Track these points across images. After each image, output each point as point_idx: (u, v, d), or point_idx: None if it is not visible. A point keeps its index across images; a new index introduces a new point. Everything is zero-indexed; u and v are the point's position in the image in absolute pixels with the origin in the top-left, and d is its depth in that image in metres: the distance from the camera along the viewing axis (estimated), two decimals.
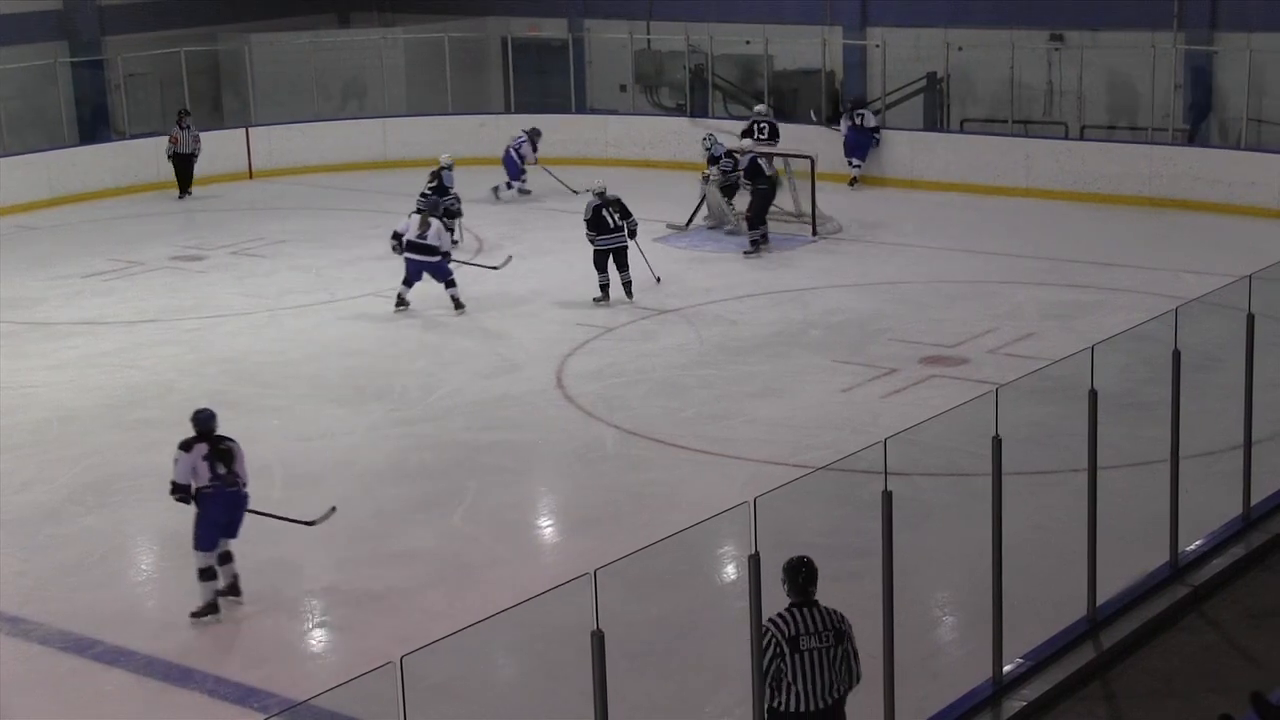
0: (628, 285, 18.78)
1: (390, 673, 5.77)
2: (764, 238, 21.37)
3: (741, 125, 25.18)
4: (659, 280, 19.30)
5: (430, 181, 21.62)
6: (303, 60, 29.92)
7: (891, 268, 20.39)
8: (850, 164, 25.77)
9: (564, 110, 29.25)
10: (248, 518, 10.98)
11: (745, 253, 21.11)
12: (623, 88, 30.33)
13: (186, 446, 10.79)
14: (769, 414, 14.69)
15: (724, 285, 19.59)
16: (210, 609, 10.77)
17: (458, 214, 21.68)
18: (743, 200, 22.76)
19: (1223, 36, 24.93)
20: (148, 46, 28.88)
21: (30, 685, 10.12)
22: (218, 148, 26.93)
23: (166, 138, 26.33)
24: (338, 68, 30.99)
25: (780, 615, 7.51)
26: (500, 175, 25.39)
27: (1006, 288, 19.12)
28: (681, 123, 28.10)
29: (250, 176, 27.86)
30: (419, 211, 19.11)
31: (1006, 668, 8.92)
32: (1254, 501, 11.06)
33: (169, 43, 28.75)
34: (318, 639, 10.87)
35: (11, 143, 26.78)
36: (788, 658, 7.44)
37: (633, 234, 18.78)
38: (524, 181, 25.39)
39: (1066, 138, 25.83)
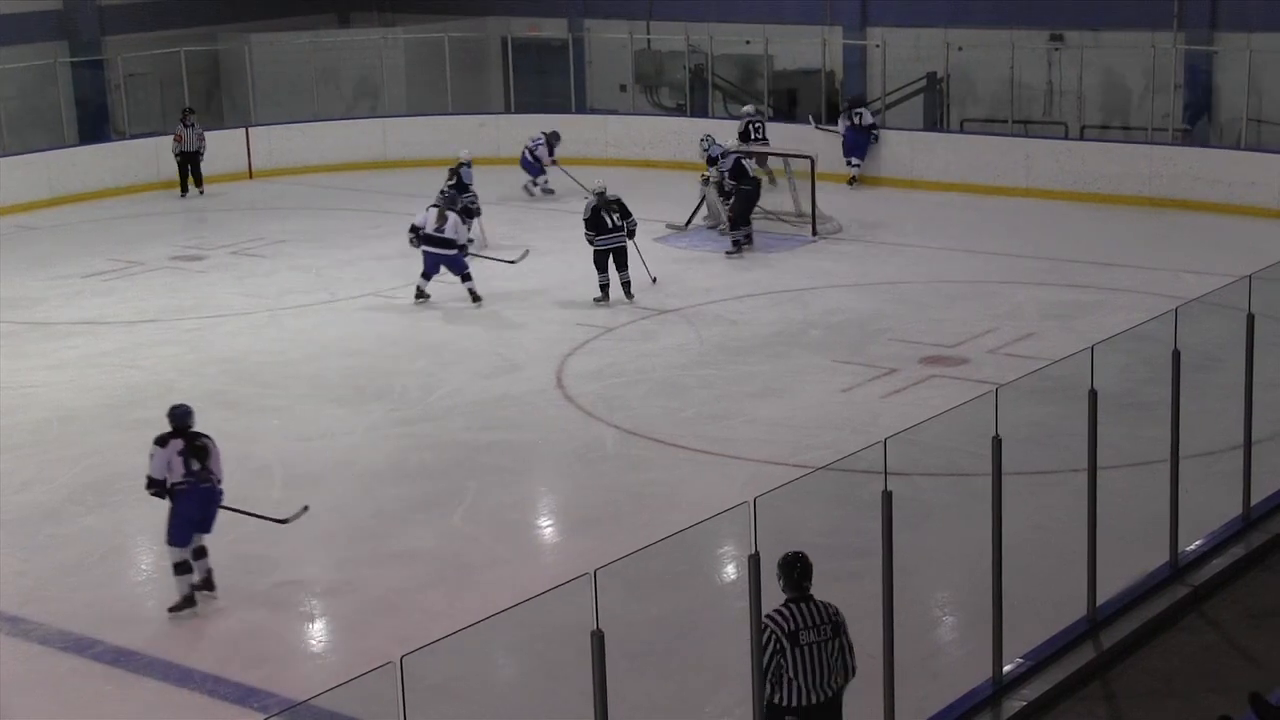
0: (627, 285, 18.78)
1: (390, 673, 5.77)
2: (748, 238, 21.37)
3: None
4: (655, 280, 19.30)
5: (449, 179, 21.52)
6: (303, 60, 29.94)
7: (891, 268, 20.39)
8: (849, 164, 25.77)
9: (564, 110, 29.25)
10: (222, 514, 11.06)
11: (727, 253, 21.10)
12: (623, 88, 30.33)
13: (162, 442, 10.89)
14: (769, 414, 14.69)
15: (724, 285, 19.59)
16: (187, 603, 10.86)
17: (476, 213, 21.50)
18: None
19: (1222, 36, 24.93)
20: (148, 46, 28.88)
21: (30, 685, 10.12)
22: (218, 148, 26.92)
23: (170, 136, 26.37)
24: (338, 68, 31.00)
25: (779, 611, 7.54)
26: (521, 175, 25.41)
27: (1006, 288, 19.12)
28: (681, 123, 28.09)
29: (250, 176, 27.86)
30: (436, 205, 19.18)
31: (1006, 668, 8.93)
32: (1254, 501, 11.06)
33: (169, 43, 28.76)
34: (318, 639, 10.87)
35: (11, 143, 26.78)
36: (788, 653, 7.49)
37: (631, 234, 18.78)
38: (545, 181, 25.40)
39: (1066, 138, 25.84)
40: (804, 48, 28.20)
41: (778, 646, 7.47)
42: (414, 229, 18.90)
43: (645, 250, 19.55)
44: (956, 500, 12.11)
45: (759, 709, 7.43)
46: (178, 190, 26.39)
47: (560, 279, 19.84)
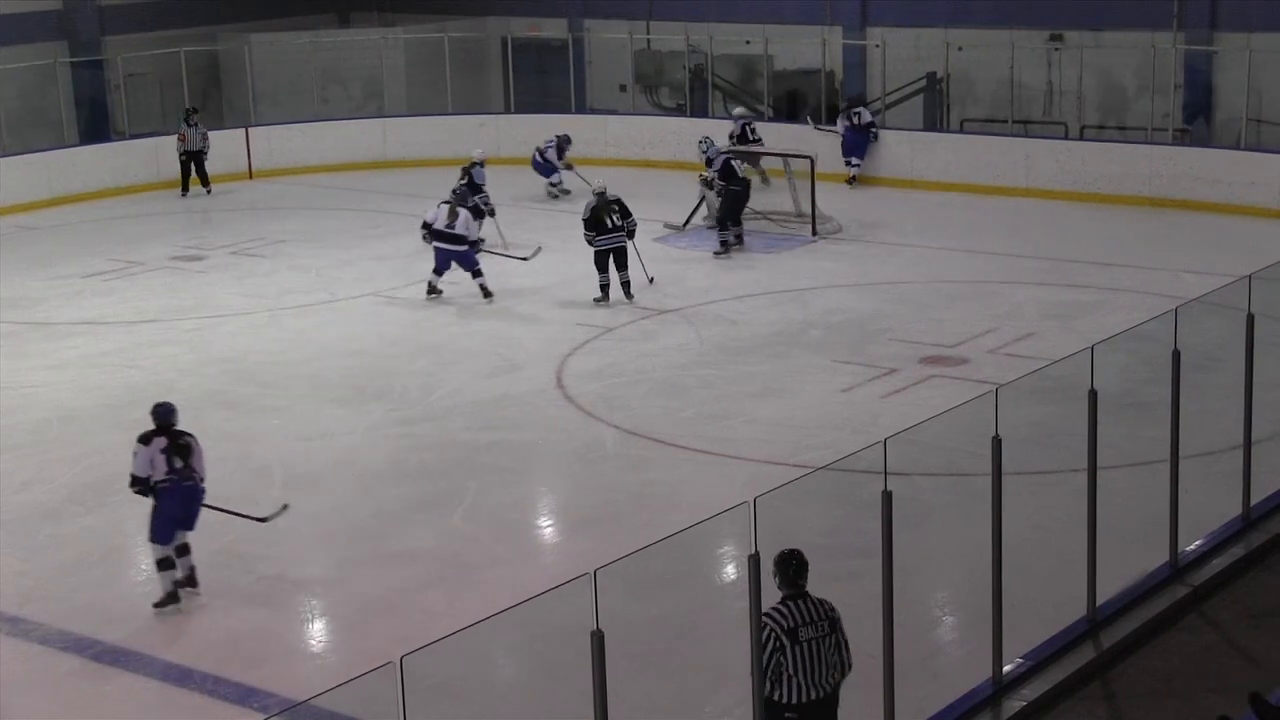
0: (626, 285, 18.79)
1: (390, 673, 5.77)
2: (738, 239, 21.39)
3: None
4: (651, 281, 19.30)
5: (461, 178, 21.50)
6: (303, 60, 29.94)
7: (891, 268, 20.39)
8: (849, 164, 25.78)
9: (564, 110, 29.26)
10: (211, 515, 11.13)
11: (715, 253, 21.11)
12: (623, 88, 30.34)
13: (145, 440, 10.94)
14: (769, 414, 14.69)
15: (724, 285, 19.59)
16: (171, 599, 10.92)
17: (487, 214, 21.39)
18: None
19: (1222, 36, 24.93)
20: (148, 46, 28.89)
21: (30, 685, 10.12)
22: (218, 148, 26.89)
23: (175, 136, 26.41)
24: (338, 68, 31.00)
25: (777, 609, 7.56)
26: (530, 176, 25.44)
27: (1006, 288, 19.12)
28: (681, 123, 28.08)
29: (250, 176, 27.86)
30: (447, 201, 19.26)
31: (1006, 668, 8.93)
32: (1254, 501, 11.07)
33: (169, 43, 28.76)
34: (318, 639, 10.87)
35: (11, 143, 26.79)
36: (788, 650, 7.51)
37: (631, 234, 18.79)
38: (561, 182, 25.41)
39: (1066, 138, 25.84)
40: (804, 48, 28.21)
41: (778, 644, 7.49)
42: (425, 225, 19.05)
43: (644, 250, 19.55)
44: (956, 500, 12.11)
45: (759, 707, 7.43)
46: (178, 190, 26.40)
47: (560, 279, 19.84)
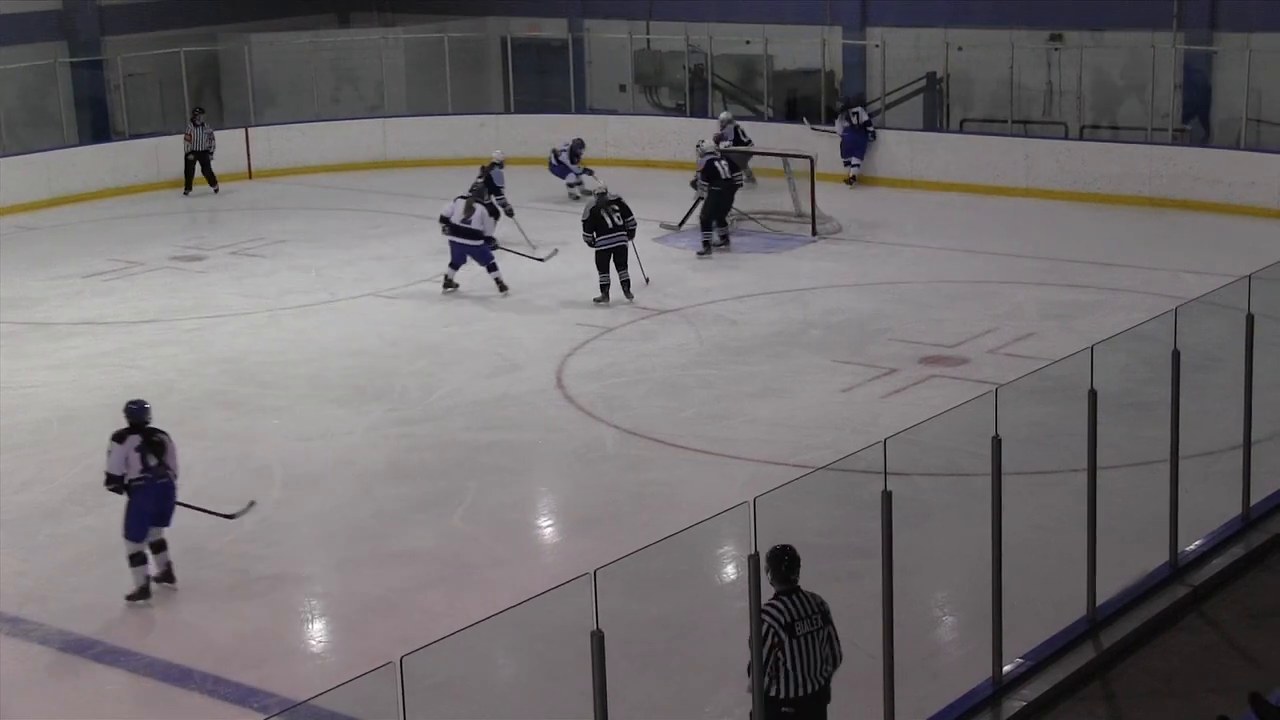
0: (626, 284, 18.79)
1: (390, 673, 5.78)
2: (724, 239, 21.41)
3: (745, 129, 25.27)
4: (648, 281, 19.30)
5: (479, 177, 21.51)
6: (303, 60, 29.93)
7: (891, 268, 20.39)
8: (849, 164, 25.78)
9: (564, 110, 29.26)
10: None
11: (698, 254, 21.12)
12: (622, 88, 30.33)
13: (120, 438, 11.03)
14: (769, 414, 14.69)
15: (724, 285, 19.59)
16: (143, 594, 10.99)
17: (504, 214, 21.34)
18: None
19: (1222, 36, 24.93)
20: (148, 46, 28.88)
21: (30, 685, 10.12)
22: (218, 148, 26.90)
23: (181, 136, 26.45)
24: (338, 68, 31.00)
25: (772, 604, 7.62)
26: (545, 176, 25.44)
27: (1006, 288, 19.12)
28: (681, 123, 28.07)
29: (250, 176, 27.86)
30: (464, 197, 19.43)
31: (1006, 668, 8.93)
32: (1254, 501, 11.07)
33: (169, 43, 28.75)
34: (318, 639, 10.87)
35: (11, 143, 26.79)
36: (786, 644, 7.59)
37: (631, 234, 18.80)
38: (580, 183, 25.39)
39: (1066, 138, 25.84)
40: (804, 48, 28.20)
41: (776, 639, 7.55)
42: (443, 219, 19.27)
43: (643, 250, 19.55)
44: (956, 500, 12.11)
45: (759, 703, 7.44)
46: (179, 190, 26.44)
47: (560, 279, 19.84)
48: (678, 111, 29.48)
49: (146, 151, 27.17)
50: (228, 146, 27.36)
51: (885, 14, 27.83)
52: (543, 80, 30.37)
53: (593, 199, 18.92)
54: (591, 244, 18.69)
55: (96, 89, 29.44)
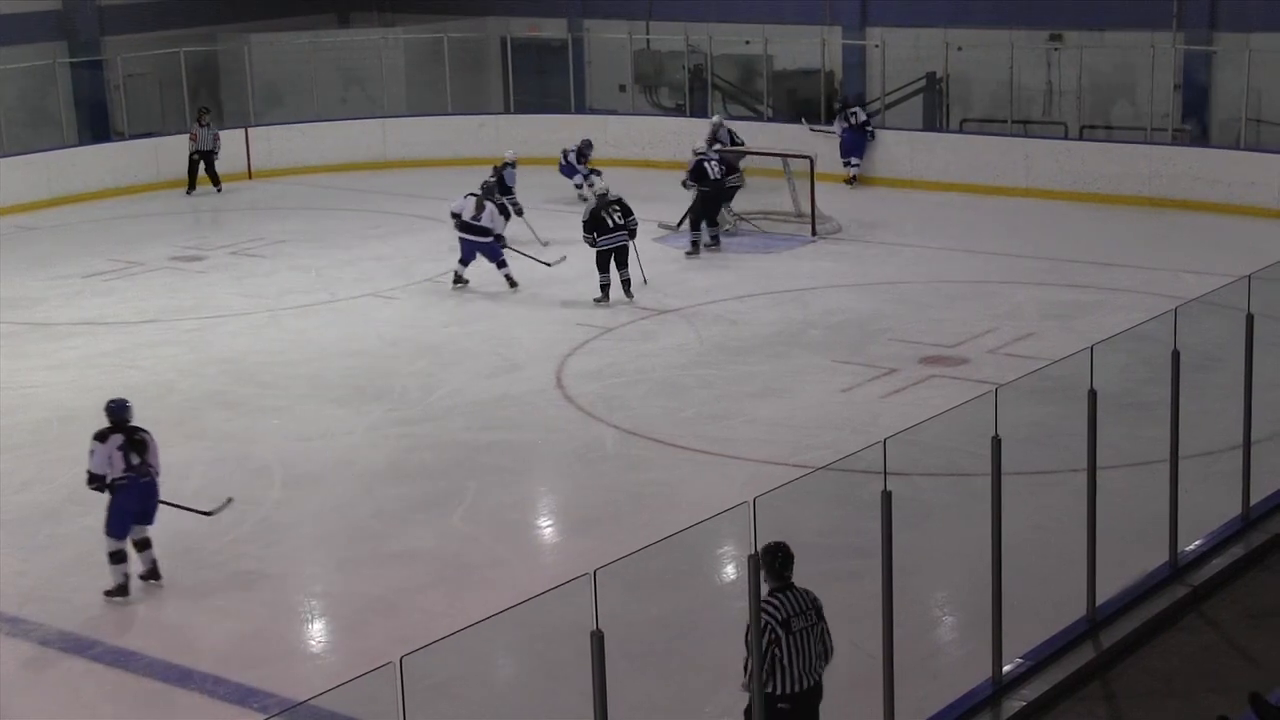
0: (627, 283, 18.80)
1: (390, 673, 5.78)
2: (714, 239, 21.43)
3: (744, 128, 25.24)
4: (645, 281, 19.30)
5: (492, 176, 21.51)
6: (303, 60, 29.93)
7: (891, 268, 20.40)
8: (848, 164, 25.78)
9: (563, 110, 29.26)
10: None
11: (686, 254, 21.13)
12: (622, 88, 30.33)
13: (102, 437, 11.09)
14: (769, 414, 14.69)
15: (724, 285, 19.60)
16: (121, 590, 11.05)
17: (514, 213, 21.24)
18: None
19: (1222, 36, 24.93)
20: (147, 46, 28.89)
21: (30, 685, 10.13)
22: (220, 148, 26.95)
23: (186, 135, 26.49)
24: (338, 68, 31.00)
25: (768, 601, 7.64)
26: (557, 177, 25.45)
27: (1006, 288, 19.12)
28: (681, 123, 28.07)
29: (250, 176, 27.86)
30: (474, 194, 19.53)
31: (1006, 668, 8.93)
32: (1253, 501, 11.07)
33: (169, 43, 28.76)
34: (317, 639, 10.87)
35: (11, 143, 26.78)
36: (783, 641, 7.60)
37: (633, 233, 18.81)
38: (589, 183, 25.36)
39: (1066, 138, 25.84)
40: (804, 48, 28.21)
41: (773, 635, 7.56)
42: (454, 215, 19.44)
43: (643, 250, 19.55)
44: (956, 500, 12.11)
45: (759, 699, 7.45)
46: (182, 189, 26.48)
47: (561, 278, 19.84)
48: (677, 112, 29.48)
49: (146, 151, 27.18)
50: (228, 146, 27.32)
51: (885, 14, 27.84)
52: (542, 80, 30.38)
53: (593, 200, 18.95)
54: (592, 244, 18.70)
55: (96, 89, 29.44)
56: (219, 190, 26.46)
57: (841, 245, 21.75)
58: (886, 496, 7.95)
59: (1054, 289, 18.94)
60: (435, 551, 11.87)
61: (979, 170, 25.14)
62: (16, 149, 26.56)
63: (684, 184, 21.61)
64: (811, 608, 7.75)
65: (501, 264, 19.36)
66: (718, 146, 22.96)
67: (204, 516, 11.69)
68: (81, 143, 28.03)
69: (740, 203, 22.72)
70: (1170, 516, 10.25)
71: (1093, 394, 9.30)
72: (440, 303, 19.13)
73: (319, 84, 29.72)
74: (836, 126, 26.03)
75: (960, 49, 26.34)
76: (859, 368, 15.97)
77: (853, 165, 25.81)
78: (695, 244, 21.23)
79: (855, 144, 25.81)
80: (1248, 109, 23.83)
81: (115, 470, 10.99)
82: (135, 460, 11.03)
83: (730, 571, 10.88)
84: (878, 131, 26.08)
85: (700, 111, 28.73)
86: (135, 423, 11.23)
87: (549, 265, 19.91)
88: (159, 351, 17.42)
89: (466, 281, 19.53)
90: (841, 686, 8.02)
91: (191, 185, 26.40)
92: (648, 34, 30.35)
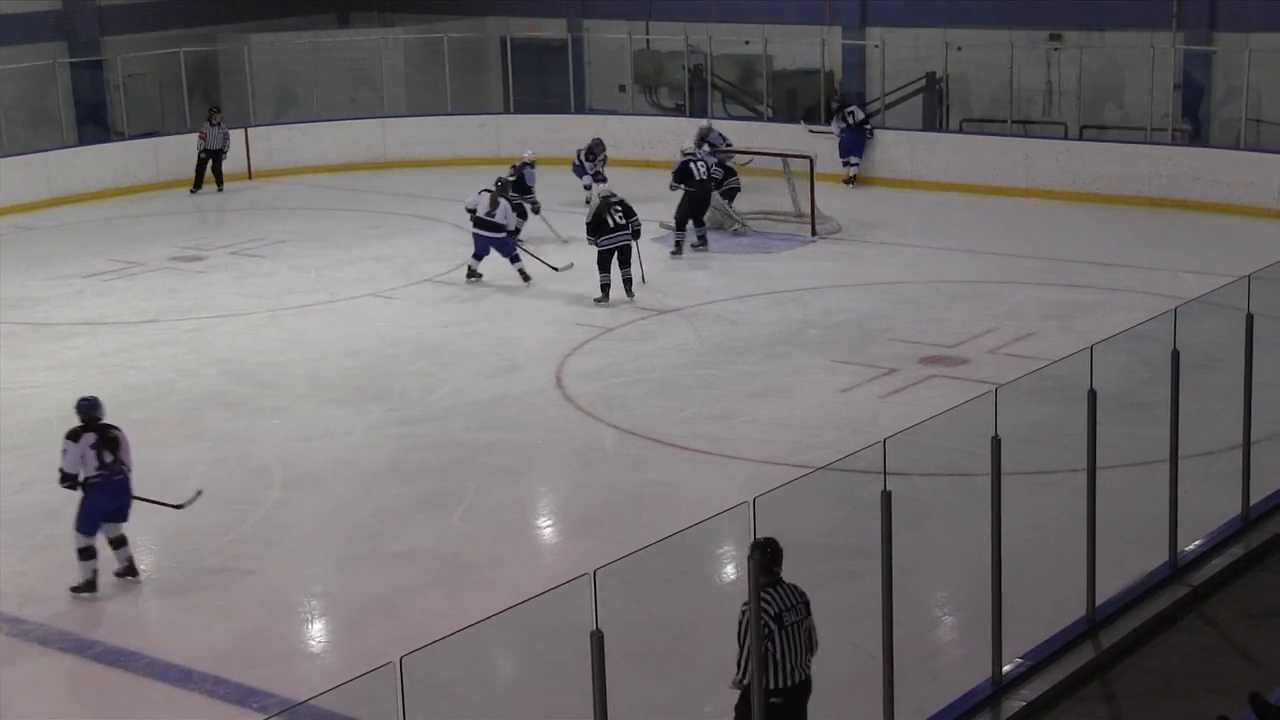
0: (628, 282, 18.80)
1: (390, 673, 5.78)
2: (701, 239, 21.42)
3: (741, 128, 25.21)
4: (644, 281, 19.30)
5: (510, 175, 21.56)
6: (303, 60, 29.93)
7: (891, 268, 20.40)
8: (848, 164, 25.78)
9: (563, 110, 29.26)
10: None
11: (671, 253, 21.14)
12: (622, 88, 30.33)
13: (74, 436, 11.11)
14: (769, 414, 14.69)
15: (724, 285, 19.60)
16: (89, 586, 11.07)
17: (531, 212, 21.33)
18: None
19: (1221, 36, 24.93)
20: (147, 46, 28.89)
21: (30, 685, 10.12)
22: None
23: (196, 134, 26.54)
24: (338, 68, 30.99)
25: (761, 597, 7.60)
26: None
27: (1006, 288, 19.12)
28: (681, 123, 28.03)
29: (250, 176, 27.86)
30: (489, 190, 19.68)
31: (1006, 668, 8.93)
32: (1253, 501, 11.06)
33: (169, 43, 28.76)
34: (317, 639, 10.87)
35: (11, 143, 26.78)
36: (775, 635, 7.65)
37: (636, 233, 18.82)
38: (599, 183, 25.39)
39: (1066, 138, 25.84)
40: (803, 48, 28.20)
41: (767, 630, 7.59)
42: (469, 210, 19.63)
43: (643, 250, 19.51)
44: (956, 500, 12.12)
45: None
46: (182, 189, 26.50)
47: (560, 278, 19.84)
48: (677, 112, 29.47)
49: (146, 151, 27.18)
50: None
51: (885, 14, 27.83)
52: (542, 80, 30.37)
53: (596, 201, 18.99)
54: (595, 245, 18.71)
55: (96, 89, 29.42)
56: (220, 189, 26.49)
57: (841, 245, 21.76)
58: (886, 496, 7.95)
59: (1054, 289, 18.94)
60: (435, 551, 11.88)
61: (979, 170, 25.15)
62: (16, 149, 26.57)
63: (670, 185, 21.63)
64: (801, 602, 7.82)
65: (515, 259, 19.54)
66: (706, 148, 22.94)
67: (175, 510, 11.62)
68: (81, 143, 28.01)
69: (739, 203, 22.72)
70: (1170, 516, 10.25)
71: (1092, 394, 9.30)
72: (440, 303, 19.14)
73: (319, 84, 29.71)
74: (834, 126, 26.03)
75: (960, 49, 26.34)
76: (859, 368, 15.97)
77: (852, 165, 25.81)
78: (679, 244, 21.25)
79: (854, 143, 25.81)
80: (1247, 109, 23.83)
81: (88, 468, 11.03)
82: (108, 458, 11.07)
83: (730, 571, 10.88)
84: (878, 131, 26.08)
85: (700, 112, 28.72)
86: (109, 420, 11.27)
87: (556, 270, 19.90)
88: (159, 351, 17.42)
89: (480, 275, 19.69)
90: (841, 686, 8.04)
91: (198, 184, 26.42)
92: (647, 34, 30.35)
